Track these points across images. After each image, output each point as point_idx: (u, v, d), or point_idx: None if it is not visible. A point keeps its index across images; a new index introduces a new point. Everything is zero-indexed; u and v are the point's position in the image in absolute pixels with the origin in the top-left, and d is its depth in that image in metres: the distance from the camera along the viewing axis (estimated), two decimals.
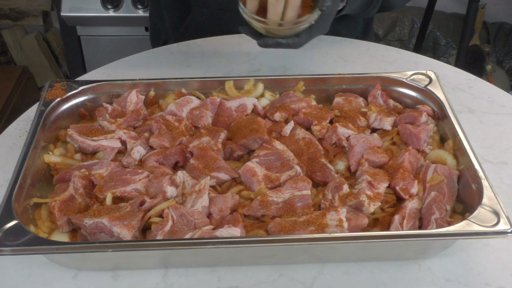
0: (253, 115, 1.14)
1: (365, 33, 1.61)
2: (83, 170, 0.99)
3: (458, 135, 1.01)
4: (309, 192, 0.95)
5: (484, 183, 0.91)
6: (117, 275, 0.90)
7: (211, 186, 0.98)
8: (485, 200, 0.88)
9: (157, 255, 0.87)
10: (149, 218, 0.91)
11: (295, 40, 1.09)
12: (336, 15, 1.04)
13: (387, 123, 1.10)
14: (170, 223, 0.89)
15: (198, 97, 1.17)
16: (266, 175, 0.99)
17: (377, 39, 2.99)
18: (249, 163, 1.00)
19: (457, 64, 2.30)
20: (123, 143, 1.07)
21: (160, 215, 0.92)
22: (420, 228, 0.92)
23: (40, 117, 1.06)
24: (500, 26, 2.94)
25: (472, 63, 2.75)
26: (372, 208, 0.92)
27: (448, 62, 2.49)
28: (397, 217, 0.91)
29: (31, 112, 1.24)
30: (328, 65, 1.40)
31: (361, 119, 1.11)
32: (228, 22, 1.39)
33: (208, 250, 0.84)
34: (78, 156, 1.06)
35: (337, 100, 1.16)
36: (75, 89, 1.13)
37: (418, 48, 2.71)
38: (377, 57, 1.44)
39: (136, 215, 0.89)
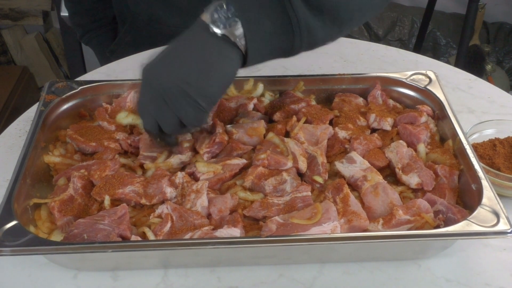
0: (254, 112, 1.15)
1: None
2: (82, 170, 0.99)
3: (458, 135, 1.01)
4: (309, 193, 0.95)
5: (484, 183, 0.90)
6: (117, 276, 0.90)
7: None
8: (484, 200, 0.87)
9: (157, 255, 0.87)
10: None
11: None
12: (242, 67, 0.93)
13: (387, 123, 1.10)
14: (169, 223, 0.89)
15: None
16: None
17: (377, 39, 2.98)
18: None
19: (457, 64, 2.30)
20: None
21: (160, 216, 0.92)
22: None
23: (40, 117, 1.06)
24: (500, 26, 2.94)
25: (472, 63, 2.75)
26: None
27: (448, 62, 2.50)
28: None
29: (31, 112, 1.24)
30: (328, 65, 1.40)
31: (361, 119, 1.11)
32: (162, 34, 1.37)
33: (208, 250, 0.84)
34: (77, 156, 1.06)
35: (337, 100, 1.16)
36: (75, 89, 1.13)
37: (418, 48, 2.70)
38: (377, 57, 1.44)
39: None
